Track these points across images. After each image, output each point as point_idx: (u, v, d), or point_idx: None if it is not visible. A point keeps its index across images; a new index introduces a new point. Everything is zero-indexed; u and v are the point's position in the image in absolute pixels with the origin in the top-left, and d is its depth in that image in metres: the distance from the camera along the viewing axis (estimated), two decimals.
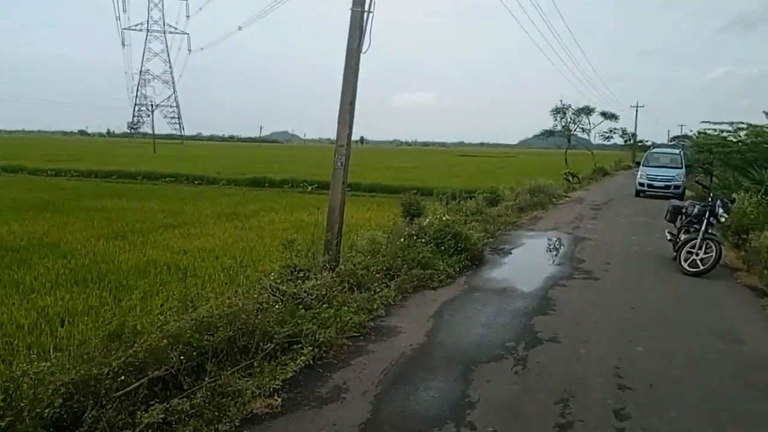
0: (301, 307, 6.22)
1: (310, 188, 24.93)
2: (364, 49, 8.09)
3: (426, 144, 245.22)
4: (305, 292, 6.67)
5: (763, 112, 17.36)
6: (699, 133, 41.27)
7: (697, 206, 10.54)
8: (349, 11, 8.15)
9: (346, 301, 6.87)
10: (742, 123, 19.31)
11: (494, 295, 8.08)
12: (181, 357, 4.57)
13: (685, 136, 62.57)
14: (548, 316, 7.16)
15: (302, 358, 5.30)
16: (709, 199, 10.36)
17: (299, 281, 6.98)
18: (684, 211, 10.90)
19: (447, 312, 7.18)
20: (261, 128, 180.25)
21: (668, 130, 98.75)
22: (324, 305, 6.47)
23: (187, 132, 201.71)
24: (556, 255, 11.41)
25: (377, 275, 7.99)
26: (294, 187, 26.28)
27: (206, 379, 4.58)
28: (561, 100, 32.60)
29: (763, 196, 14.80)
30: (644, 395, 4.89)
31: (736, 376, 5.49)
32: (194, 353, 4.79)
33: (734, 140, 20.11)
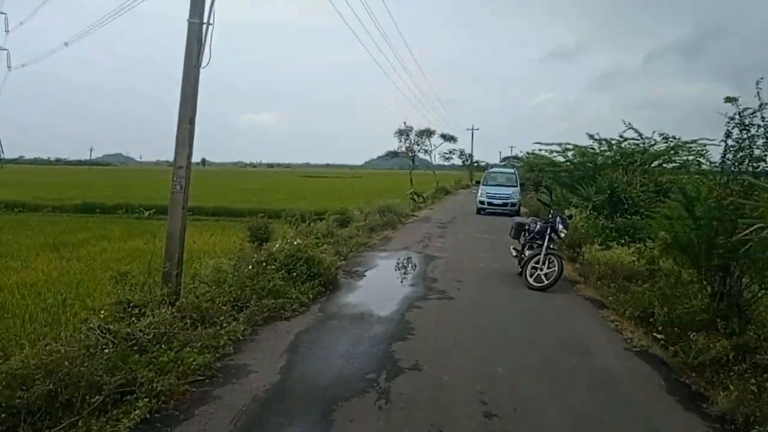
0: (136, 349, 5.48)
1: (147, 213, 22.97)
2: (203, 64, 7.52)
3: (271, 165, 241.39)
4: (141, 331, 5.93)
5: (586, 134, 18.91)
6: (528, 153, 44.41)
7: (539, 223, 10.97)
8: (186, 23, 7.54)
9: (188, 339, 6.17)
10: (569, 144, 20.84)
11: (351, 321, 7.72)
12: None
13: (515, 157, 67.24)
14: (407, 341, 6.93)
15: (137, 411, 4.57)
16: (550, 216, 10.81)
17: (134, 319, 6.22)
18: (527, 227, 11.31)
19: (302, 344, 6.69)
20: (91, 150, 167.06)
21: (500, 151, 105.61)
22: (163, 346, 5.75)
23: (7, 155, 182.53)
24: (409, 275, 11.33)
25: (224, 307, 7.33)
26: (129, 212, 24.20)
27: None
28: (404, 123, 33.45)
29: (591, 212, 15.89)
30: (511, 421, 4.75)
31: (592, 391, 5.55)
32: (3, 414, 3.98)
33: (563, 160, 21.63)
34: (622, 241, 12.66)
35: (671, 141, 17.20)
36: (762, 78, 7.53)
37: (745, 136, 7.72)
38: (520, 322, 8.08)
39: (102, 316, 6.03)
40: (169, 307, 6.77)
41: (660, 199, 16.07)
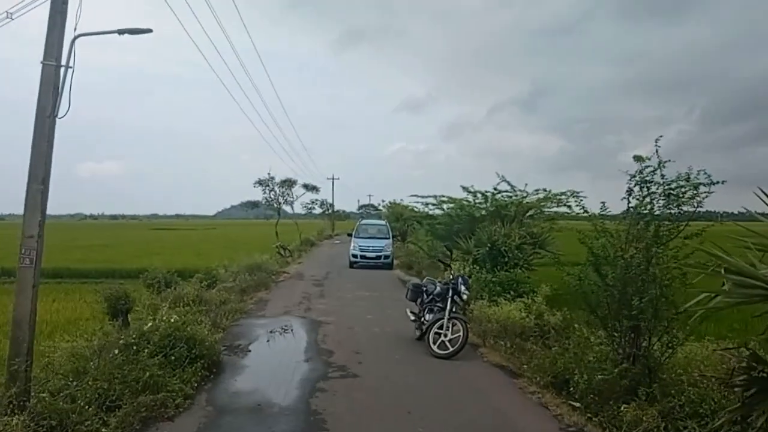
0: None
1: None
2: (60, 114, 6.34)
3: (115, 217, 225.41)
4: None
5: (461, 186, 18.98)
6: (391, 203, 44.82)
7: (438, 284, 10.38)
8: (40, 65, 6.29)
9: None
10: (444, 197, 20.87)
11: (249, 417, 6.48)
12: None
13: (372, 206, 67.95)
14: None
15: None
16: (451, 277, 10.26)
17: None
18: (425, 289, 10.65)
19: None
20: None
21: (358, 199, 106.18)
22: None
23: None
24: (300, 348, 10.10)
25: (89, 408, 5.89)
26: None
27: None
28: (269, 173, 32.18)
29: (473, 266, 15.68)
30: None
31: None
32: None
33: (440, 212, 21.61)
34: (507, 296, 12.41)
35: (541, 192, 17.60)
36: (661, 136, 7.65)
37: (646, 192, 7.73)
38: (440, 402, 7.24)
39: None
40: (18, 414, 5.37)
41: (536, 251, 16.43)
